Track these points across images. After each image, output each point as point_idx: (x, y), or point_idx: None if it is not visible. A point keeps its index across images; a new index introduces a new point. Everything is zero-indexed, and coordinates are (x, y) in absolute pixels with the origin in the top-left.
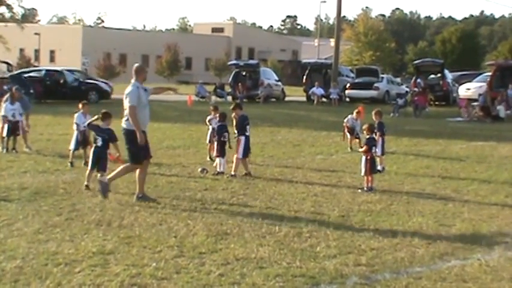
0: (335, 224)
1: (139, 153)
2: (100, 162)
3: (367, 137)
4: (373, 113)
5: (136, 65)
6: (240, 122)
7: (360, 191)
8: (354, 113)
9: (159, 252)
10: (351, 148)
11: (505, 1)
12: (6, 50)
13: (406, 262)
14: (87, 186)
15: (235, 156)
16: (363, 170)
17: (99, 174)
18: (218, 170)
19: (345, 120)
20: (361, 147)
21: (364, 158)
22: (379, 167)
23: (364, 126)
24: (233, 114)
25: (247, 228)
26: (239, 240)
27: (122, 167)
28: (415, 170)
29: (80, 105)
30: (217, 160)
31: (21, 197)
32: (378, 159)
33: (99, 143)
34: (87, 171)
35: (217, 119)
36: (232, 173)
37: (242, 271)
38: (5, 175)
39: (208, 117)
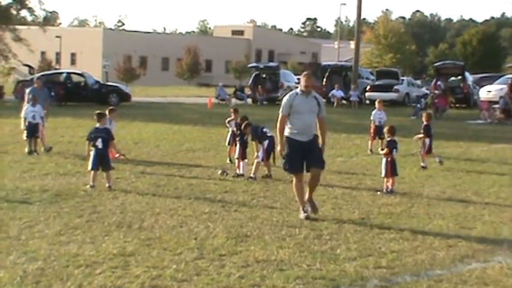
0: (355, 227)
1: (287, 161)
2: (104, 162)
3: (388, 139)
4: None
5: (306, 72)
6: (253, 134)
7: (379, 193)
8: (376, 104)
9: (179, 254)
10: (371, 150)
11: None
12: (29, 52)
13: (426, 265)
14: (92, 186)
15: (255, 159)
16: (383, 171)
17: (105, 174)
18: (238, 172)
19: (371, 118)
20: (382, 150)
21: (384, 160)
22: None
23: (385, 129)
24: (245, 129)
25: (267, 231)
26: (259, 243)
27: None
28: (436, 173)
29: (107, 111)
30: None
31: (43, 199)
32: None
33: (100, 144)
34: (92, 173)
35: (238, 121)
36: (252, 175)
37: (262, 273)
38: (27, 177)
39: (228, 119)
